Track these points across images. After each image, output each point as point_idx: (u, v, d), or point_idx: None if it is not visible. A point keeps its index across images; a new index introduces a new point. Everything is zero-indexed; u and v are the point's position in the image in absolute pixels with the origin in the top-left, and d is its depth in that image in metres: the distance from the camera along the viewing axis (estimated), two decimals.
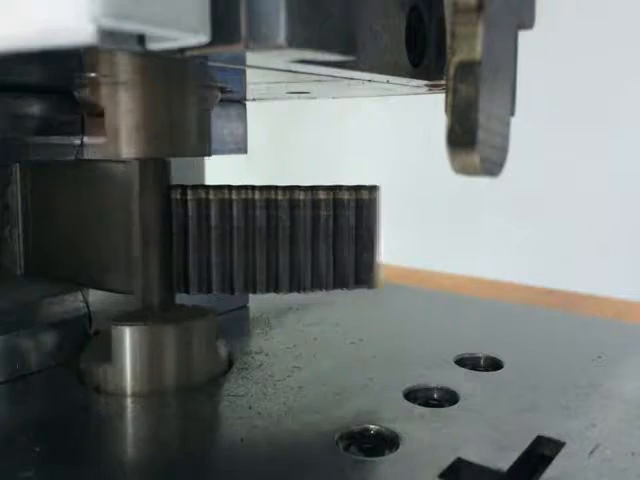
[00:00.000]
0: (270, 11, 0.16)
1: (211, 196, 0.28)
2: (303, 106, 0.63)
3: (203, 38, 0.15)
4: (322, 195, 0.28)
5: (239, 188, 0.28)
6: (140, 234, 0.28)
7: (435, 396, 0.27)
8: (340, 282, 0.29)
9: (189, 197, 0.28)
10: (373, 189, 0.28)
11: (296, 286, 0.29)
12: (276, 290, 0.29)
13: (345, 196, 0.28)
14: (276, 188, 0.28)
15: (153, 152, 0.27)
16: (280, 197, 0.28)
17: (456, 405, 0.26)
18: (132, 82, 0.26)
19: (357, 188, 0.28)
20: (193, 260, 0.28)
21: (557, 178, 0.64)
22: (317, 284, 0.29)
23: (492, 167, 0.18)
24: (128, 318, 0.28)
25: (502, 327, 0.37)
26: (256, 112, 0.39)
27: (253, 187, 0.28)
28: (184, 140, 0.27)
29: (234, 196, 0.28)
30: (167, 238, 0.28)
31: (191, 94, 0.27)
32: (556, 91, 0.62)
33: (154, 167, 0.28)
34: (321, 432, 0.23)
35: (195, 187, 0.28)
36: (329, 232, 0.28)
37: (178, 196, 0.28)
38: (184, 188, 0.28)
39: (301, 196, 0.28)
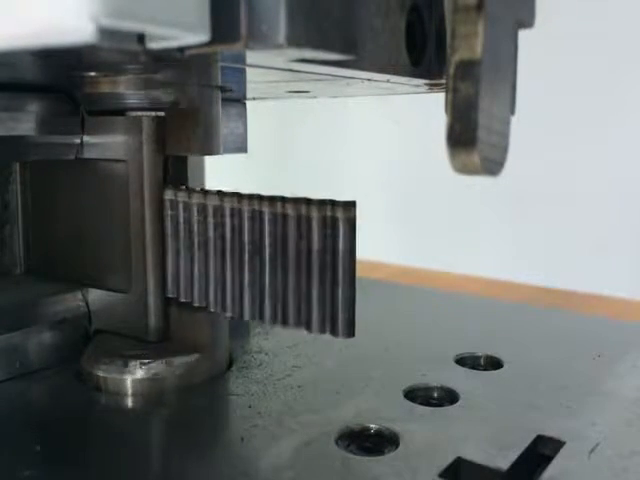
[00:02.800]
0: (270, 10, 0.16)
1: (193, 199, 0.27)
2: (303, 105, 0.63)
3: (203, 37, 0.15)
4: (288, 209, 0.24)
5: (210, 193, 0.26)
6: (139, 233, 0.28)
7: (435, 395, 0.27)
8: (304, 322, 0.24)
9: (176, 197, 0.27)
10: (347, 205, 0.23)
11: (258, 314, 0.25)
12: (239, 314, 0.26)
13: (314, 213, 0.23)
14: (237, 196, 0.25)
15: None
16: (246, 207, 0.25)
17: (456, 404, 0.26)
18: None
19: (332, 203, 0.23)
20: (172, 263, 0.28)
21: (557, 177, 0.64)
22: (279, 318, 0.25)
23: (492, 166, 0.18)
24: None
25: (502, 326, 0.37)
26: (256, 112, 0.39)
27: (223, 193, 0.26)
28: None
29: (204, 200, 0.26)
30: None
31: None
32: (556, 90, 0.62)
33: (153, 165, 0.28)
34: (321, 431, 0.23)
35: (183, 189, 0.28)
36: (299, 254, 0.24)
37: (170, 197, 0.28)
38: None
39: (264, 208, 0.24)
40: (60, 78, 0.27)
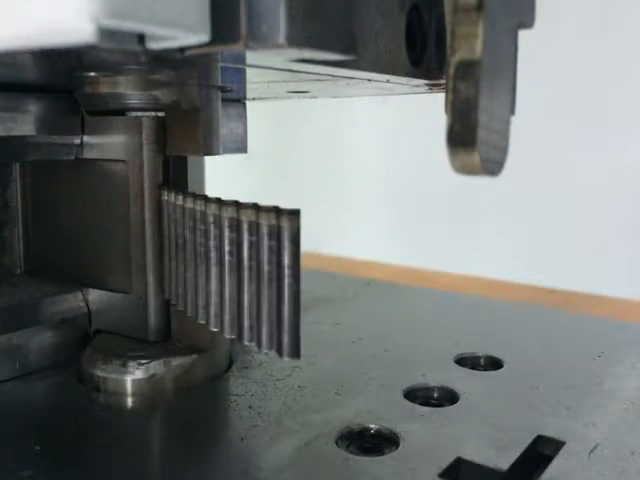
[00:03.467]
0: (270, 10, 0.16)
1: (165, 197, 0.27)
2: (303, 105, 0.63)
3: (203, 37, 0.15)
4: (230, 213, 0.23)
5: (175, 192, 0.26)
6: (139, 233, 0.28)
7: (435, 395, 0.27)
8: (255, 337, 0.23)
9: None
10: (292, 214, 0.21)
11: (220, 325, 0.24)
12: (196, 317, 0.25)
13: (263, 220, 0.22)
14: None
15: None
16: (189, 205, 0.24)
17: (456, 404, 0.26)
18: None
19: (277, 210, 0.21)
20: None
21: (557, 177, 0.64)
22: (235, 329, 0.23)
23: (492, 166, 0.18)
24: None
25: (502, 326, 0.37)
26: (256, 111, 0.39)
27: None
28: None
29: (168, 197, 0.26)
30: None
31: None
32: (556, 90, 0.62)
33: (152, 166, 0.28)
34: (321, 431, 0.23)
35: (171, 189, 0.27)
36: (250, 261, 0.23)
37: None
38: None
39: (222, 212, 0.23)
40: (60, 78, 0.27)
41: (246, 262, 0.23)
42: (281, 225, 0.21)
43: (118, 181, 0.29)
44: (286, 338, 0.22)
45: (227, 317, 0.24)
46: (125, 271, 0.29)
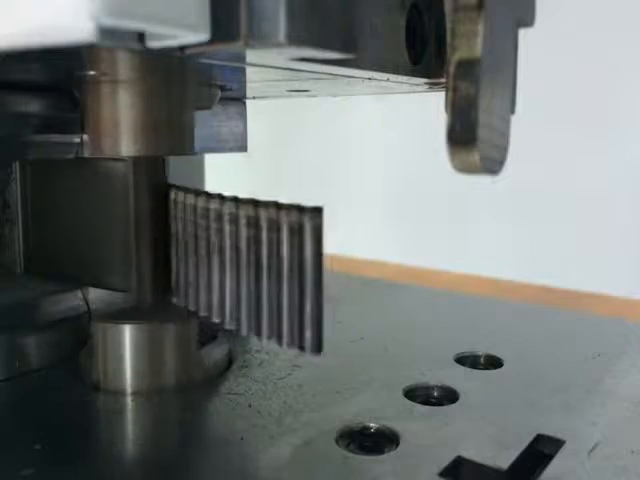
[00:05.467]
0: (270, 9, 0.16)
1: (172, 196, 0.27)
2: (303, 104, 0.63)
3: (203, 36, 0.15)
4: (248, 211, 0.23)
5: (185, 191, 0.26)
6: (139, 233, 0.28)
7: (435, 394, 0.27)
8: (276, 334, 0.23)
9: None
10: (315, 211, 0.21)
11: (234, 321, 0.24)
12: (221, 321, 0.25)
13: (284, 217, 0.22)
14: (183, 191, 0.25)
15: (151, 150, 0.27)
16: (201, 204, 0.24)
17: (456, 403, 0.26)
18: (130, 80, 0.26)
19: (299, 209, 0.21)
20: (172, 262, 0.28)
21: (557, 176, 0.64)
22: (253, 326, 0.23)
23: (492, 165, 0.18)
24: (125, 316, 0.28)
25: (502, 325, 0.37)
26: (256, 111, 0.39)
27: (190, 190, 0.25)
28: (182, 138, 0.27)
29: (177, 197, 0.26)
30: (163, 237, 0.28)
31: (189, 92, 0.27)
32: (557, 89, 0.62)
33: (149, 165, 0.28)
34: (321, 430, 0.23)
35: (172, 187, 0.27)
36: (251, 260, 0.23)
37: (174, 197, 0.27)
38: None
39: (240, 211, 0.23)
40: (60, 77, 0.27)
41: (265, 260, 0.23)
42: (303, 223, 0.21)
43: (118, 180, 0.29)
44: (308, 334, 0.21)
45: (244, 315, 0.24)
46: (125, 270, 0.29)
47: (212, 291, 0.25)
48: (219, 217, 0.24)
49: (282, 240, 0.22)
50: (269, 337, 0.23)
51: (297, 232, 0.21)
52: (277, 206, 0.22)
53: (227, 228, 0.24)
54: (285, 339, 0.22)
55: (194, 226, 0.25)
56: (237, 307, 0.24)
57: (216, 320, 0.25)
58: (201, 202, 0.25)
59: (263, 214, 0.22)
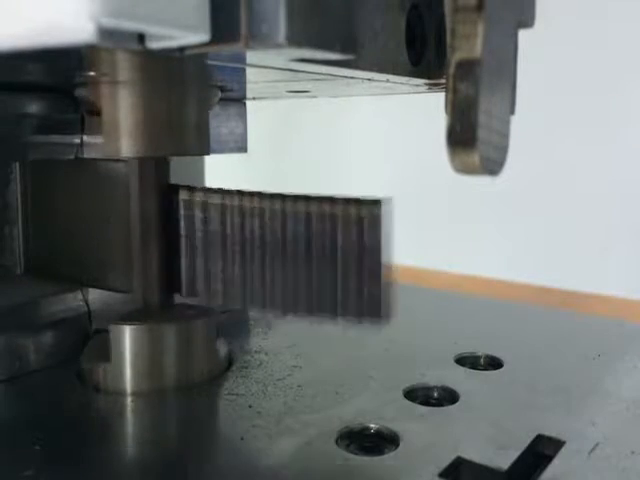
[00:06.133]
0: (270, 9, 0.16)
1: (196, 197, 0.27)
2: (303, 105, 0.62)
3: (203, 37, 0.15)
4: (314, 208, 0.24)
5: (217, 192, 0.26)
6: (139, 232, 0.28)
7: (435, 395, 0.27)
8: (338, 311, 0.24)
9: (180, 197, 0.27)
10: (373, 204, 0.23)
11: (290, 308, 0.25)
12: (251, 306, 0.26)
13: (339, 211, 0.23)
14: (248, 194, 0.26)
15: (152, 151, 0.27)
16: (256, 205, 0.25)
17: (456, 404, 0.26)
18: (131, 80, 0.26)
19: (357, 202, 0.23)
20: (182, 262, 0.28)
21: (556, 176, 0.64)
22: (311, 308, 0.25)
23: (492, 166, 0.18)
24: (127, 318, 0.28)
25: (502, 326, 0.37)
26: (256, 110, 0.39)
27: (230, 192, 0.26)
28: (183, 139, 0.27)
29: (214, 200, 0.26)
30: (166, 237, 0.28)
31: (191, 92, 0.27)
32: (557, 89, 0.62)
33: (153, 166, 0.28)
34: (321, 431, 0.23)
35: (184, 187, 0.28)
36: (324, 251, 0.24)
37: (185, 197, 0.28)
38: (175, 188, 0.28)
39: (289, 207, 0.24)
40: (60, 78, 0.27)
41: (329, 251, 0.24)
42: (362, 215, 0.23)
43: (118, 180, 0.29)
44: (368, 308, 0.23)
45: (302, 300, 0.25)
46: (125, 271, 0.29)
47: (254, 284, 0.26)
48: (262, 213, 0.25)
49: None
50: (332, 317, 0.24)
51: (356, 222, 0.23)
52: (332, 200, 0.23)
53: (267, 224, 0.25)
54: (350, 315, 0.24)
55: (221, 224, 0.26)
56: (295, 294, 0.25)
57: (256, 307, 0.26)
58: (230, 200, 0.26)
59: (324, 208, 0.24)
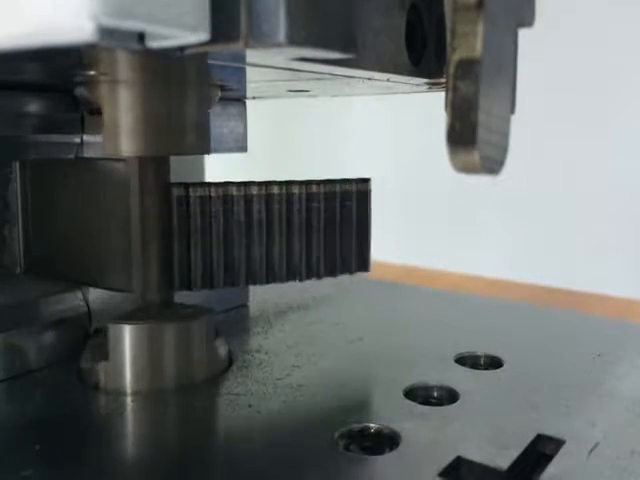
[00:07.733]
0: (270, 9, 0.16)
1: (212, 193, 0.28)
2: (303, 104, 0.63)
3: (203, 36, 0.15)
4: (315, 189, 0.30)
5: (238, 184, 0.29)
6: (139, 232, 0.28)
7: (435, 395, 0.27)
8: (333, 269, 0.31)
9: (191, 194, 0.28)
10: (363, 182, 0.32)
11: (292, 275, 0.30)
12: (274, 280, 0.30)
13: (337, 189, 0.31)
14: (271, 183, 0.30)
15: (153, 150, 0.27)
16: (277, 191, 0.29)
17: (456, 404, 0.26)
18: (131, 80, 0.26)
19: (348, 181, 0.31)
20: (195, 256, 0.28)
21: (557, 176, 0.64)
22: (311, 273, 0.31)
23: (492, 165, 0.18)
24: (127, 317, 0.28)
25: (502, 325, 0.37)
26: (256, 110, 0.39)
27: (252, 183, 0.29)
28: (183, 138, 0.27)
29: (234, 192, 0.29)
30: (166, 236, 0.28)
31: (191, 92, 0.27)
32: (556, 90, 0.62)
33: (153, 165, 0.28)
34: (321, 431, 0.23)
35: (196, 184, 0.28)
36: (321, 223, 0.30)
37: (181, 193, 0.28)
38: (186, 186, 0.28)
39: (295, 190, 0.30)
40: (60, 77, 0.27)
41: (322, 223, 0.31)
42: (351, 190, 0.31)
43: (118, 180, 0.29)
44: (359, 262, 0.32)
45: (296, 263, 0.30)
46: (125, 270, 0.29)
47: (274, 259, 0.30)
48: (281, 198, 0.30)
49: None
50: (325, 275, 0.31)
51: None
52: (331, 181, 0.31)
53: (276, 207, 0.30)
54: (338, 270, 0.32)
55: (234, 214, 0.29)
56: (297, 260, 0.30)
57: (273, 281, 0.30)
58: (250, 191, 0.29)
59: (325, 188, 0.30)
